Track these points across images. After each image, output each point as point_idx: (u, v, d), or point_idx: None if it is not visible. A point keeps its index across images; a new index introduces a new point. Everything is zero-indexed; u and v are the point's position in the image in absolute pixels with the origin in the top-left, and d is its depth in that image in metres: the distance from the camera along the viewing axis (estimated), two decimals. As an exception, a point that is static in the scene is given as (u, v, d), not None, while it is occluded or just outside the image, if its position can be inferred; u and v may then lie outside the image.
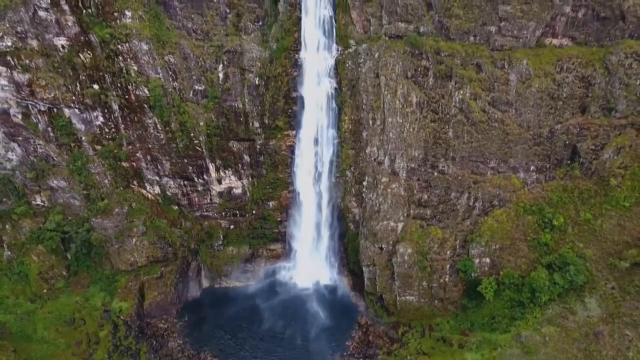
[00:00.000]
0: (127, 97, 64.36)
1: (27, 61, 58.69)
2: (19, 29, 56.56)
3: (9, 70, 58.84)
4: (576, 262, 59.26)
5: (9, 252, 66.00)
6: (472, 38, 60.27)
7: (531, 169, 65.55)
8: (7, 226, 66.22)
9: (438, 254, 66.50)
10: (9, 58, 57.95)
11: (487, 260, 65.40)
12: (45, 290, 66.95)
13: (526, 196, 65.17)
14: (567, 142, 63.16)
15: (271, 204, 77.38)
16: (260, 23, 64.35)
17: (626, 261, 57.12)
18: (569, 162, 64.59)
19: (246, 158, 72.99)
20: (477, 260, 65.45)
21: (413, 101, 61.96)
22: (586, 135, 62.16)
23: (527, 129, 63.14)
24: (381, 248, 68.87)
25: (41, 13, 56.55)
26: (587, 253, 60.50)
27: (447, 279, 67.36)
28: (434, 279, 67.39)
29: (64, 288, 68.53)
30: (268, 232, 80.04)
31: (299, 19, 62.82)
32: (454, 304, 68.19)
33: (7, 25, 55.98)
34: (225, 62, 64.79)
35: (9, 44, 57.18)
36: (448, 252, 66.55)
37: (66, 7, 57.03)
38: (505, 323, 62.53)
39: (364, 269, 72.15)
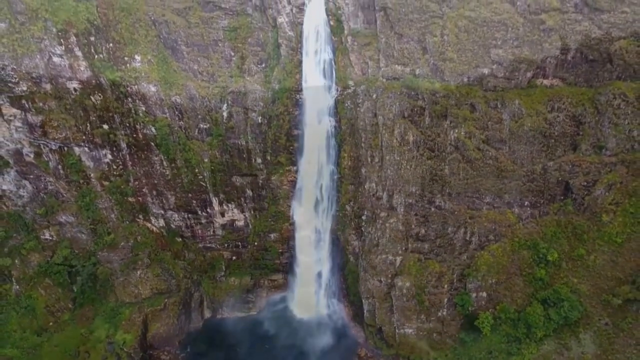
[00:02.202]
0: (135, 135, 66.99)
1: (41, 104, 61.32)
2: (34, 74, 59.34)
3: (23, 113, 61.42)
4: (570, 298, 60.15)
5: (17, 286, 67.29)
6: (465, 79, 62.79)
7: (525, 204, 67.15)
8: (16, 261, 67.61)
9: (436, 288, 67.47)
10: (23, 101, 60.62)
11: (484, 294, 66.38)
12: (51, 324, 67.92)
13: (521, 231, 66.58)
14: (560, 179, 64.89)
15: (272, 235, 79.13)
16: (263, 65, 67.31)
17: (619, 298, 57.91)
18: (562, 198, 66.16)
19: (249, 192, 75.14)
20: (474, 295, 66.46)
21: (410, 139, 64.14)
22: (578, 172, 63.84)
23: (521, 165, 65.08)
24: (380, 281, 69.97)
25: (55, 59, 59.54)
26: (581, 288, 61.36)
27: (445, 313, 68.19)
28: (432, 312, 68.26)
29: (69, 321, 69.53)
30: (269, 262, 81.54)
31: (300, 61, 65.80)
32: (452, 337, 68.74)
33: (24, 71, 58.79)
34: (229, 102, 67.55)
35: (24, 88, 59.84)
36: (446, 286, 67.53)
37: (79, 53, 60.18)
38: (502, 358, 62.98)
39: (363, 301, 73.10)
